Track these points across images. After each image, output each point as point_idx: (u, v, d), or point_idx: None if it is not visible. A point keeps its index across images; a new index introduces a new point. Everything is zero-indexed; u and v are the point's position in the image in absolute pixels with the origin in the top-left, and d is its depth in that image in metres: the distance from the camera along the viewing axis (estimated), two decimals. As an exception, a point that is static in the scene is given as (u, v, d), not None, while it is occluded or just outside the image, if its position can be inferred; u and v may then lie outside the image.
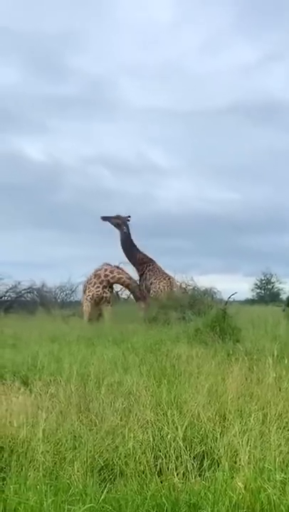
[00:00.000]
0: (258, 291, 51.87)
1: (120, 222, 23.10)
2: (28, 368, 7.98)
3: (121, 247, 23.05)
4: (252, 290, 50.97)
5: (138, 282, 22.49)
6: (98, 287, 21.49)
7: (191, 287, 23.36)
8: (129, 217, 23.41)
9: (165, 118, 61.78)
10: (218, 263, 52.11)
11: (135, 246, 23.08)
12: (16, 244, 48.12)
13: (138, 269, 23.11)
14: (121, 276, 21.73)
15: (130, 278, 22.00)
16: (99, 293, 21.39)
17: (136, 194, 53.37)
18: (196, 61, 60.06)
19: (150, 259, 23.19)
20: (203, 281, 28.91)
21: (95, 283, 21.48)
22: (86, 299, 21.28)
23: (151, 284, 22.36)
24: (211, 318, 13.00)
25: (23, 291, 27.19)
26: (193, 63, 60.61)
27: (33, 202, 50.63)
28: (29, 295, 27.44)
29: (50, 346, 11.18)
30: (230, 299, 17.08)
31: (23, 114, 59.82)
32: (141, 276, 22.94)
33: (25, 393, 6.28)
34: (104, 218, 23.18)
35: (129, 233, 23.31)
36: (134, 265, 22.97)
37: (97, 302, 21.27)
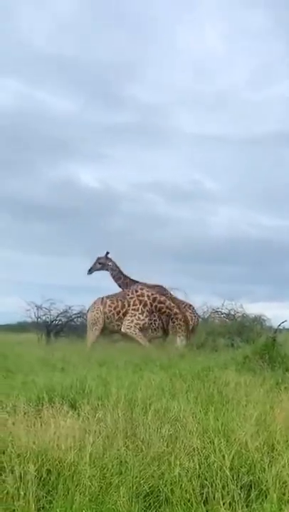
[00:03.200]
0: (309, 319, 50.46)
1: (103, 262, 23.18)
2: (76, 391, 8.04)
3: (118, 285, 22.90)
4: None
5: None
6: (147, 316, 20.65)
7: (239, 314, 23.15)
8: (108, 253, 23.37)
9: (217, 145, 62.22)
10: (268, 290, 51.42)
11: (128, 278, 22.90)
12: (69, 270, 49.23)
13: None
14: (163, 304, 20.93)
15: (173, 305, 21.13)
16: (144, 322, 20.62)
17: (189, 220, 53.76)
18: (248, 91, 60.50)
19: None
20: (252, 309, 28.58)
21: (142, 310, 20.59)
22: (133, 326, 20.34)
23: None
24: (260, 346, 12.79)
25: (73, 316, 27.54)
26: (244, 93, 61.01)
27: (86, 228, 51.55)
28: (79, 319, 27.76)
29: (98, 370, 11.25)
30: (280, 327, 16.77)
31: (80, 142, 61.61)
32: None
33: (73, 417, 6.32)
34: (89, 271, 23.26)
35: (116, 266, 23.18)
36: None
37: (142, 330, 20.58)
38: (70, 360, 14.00)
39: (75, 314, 27.53)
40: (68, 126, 60.68)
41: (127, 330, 20.47)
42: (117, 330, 21.07)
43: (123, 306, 21.04)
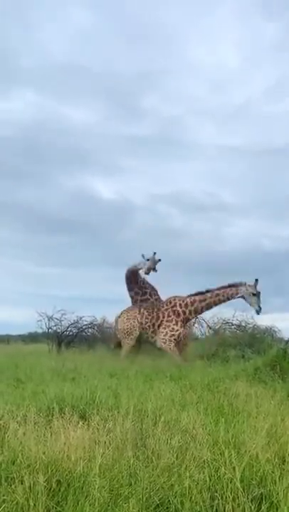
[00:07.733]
0: None
1: (150, 267, 21.96)
2: (86, 402, 8.03)
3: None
4: (313, 329, 49.46)
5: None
6: (182, 326, 20.40)
7: (250, 326, 23.03)
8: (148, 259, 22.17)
9: (234, 157, 62.26)
10: (281, 301, 51.07)
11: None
12: (84, 281, 49.29)
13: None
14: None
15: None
16: (179, 332, 20.29)
17: (204, 232, 53.61)
18: (264, 102, 60.63)
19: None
20: (263, 320, 28.38)
21: (175, 321, 20.38)
22: (168, 339, 20.13)
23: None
24: (271, 357, 12.73)
25: (84, 327, 27.57)
26: (261, 104, 61.12)
27: (102, 239, 51.65)
28: (90, 330, 27.78)
29: (108, 381, 11.24)
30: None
31: (96, 153, 61.82)
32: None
33: (83, 427, 6.32)
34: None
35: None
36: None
37: (178, 342, 20.32)
38: (81, 370, 14.01)
39: (86, 325, 27.57)
40: (85, 137, 61.18)
41: (162, 344, 20.27)
42: (150, 341, 20.85)
43: (158, 318, 20.80)
